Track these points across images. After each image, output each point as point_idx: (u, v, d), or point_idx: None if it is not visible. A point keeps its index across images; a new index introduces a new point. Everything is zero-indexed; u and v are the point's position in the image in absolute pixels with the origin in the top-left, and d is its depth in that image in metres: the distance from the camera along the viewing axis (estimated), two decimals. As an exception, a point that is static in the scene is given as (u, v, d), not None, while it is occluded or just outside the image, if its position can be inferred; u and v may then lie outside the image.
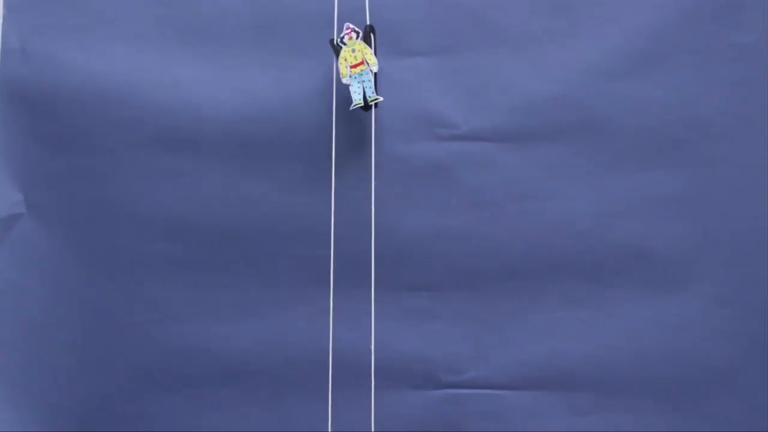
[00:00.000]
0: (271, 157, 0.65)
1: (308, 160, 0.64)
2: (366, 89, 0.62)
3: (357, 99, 0.63)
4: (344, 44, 0.62)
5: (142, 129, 0.65)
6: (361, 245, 0.64)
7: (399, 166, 0.65)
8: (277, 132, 0.65)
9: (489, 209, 0.64)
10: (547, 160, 0.64)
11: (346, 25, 0.63)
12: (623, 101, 0.64)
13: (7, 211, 0.66)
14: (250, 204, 0.65)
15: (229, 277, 0.65)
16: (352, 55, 0.62)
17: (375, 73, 0.62)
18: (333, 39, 0.63)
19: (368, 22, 0.63)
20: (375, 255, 0.64)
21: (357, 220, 0.63)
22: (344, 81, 0.62)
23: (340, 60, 0.62)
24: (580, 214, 0.64)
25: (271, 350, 0.65)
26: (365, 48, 0.62)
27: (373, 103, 0.62)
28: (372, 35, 0.63)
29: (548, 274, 0.64)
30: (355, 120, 0.64)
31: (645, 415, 0.64)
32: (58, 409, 0.66)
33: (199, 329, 0.66)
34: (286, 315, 0.65)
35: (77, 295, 0.66)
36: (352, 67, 0.62)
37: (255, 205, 0.65)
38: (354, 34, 0.62)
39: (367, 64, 0.62)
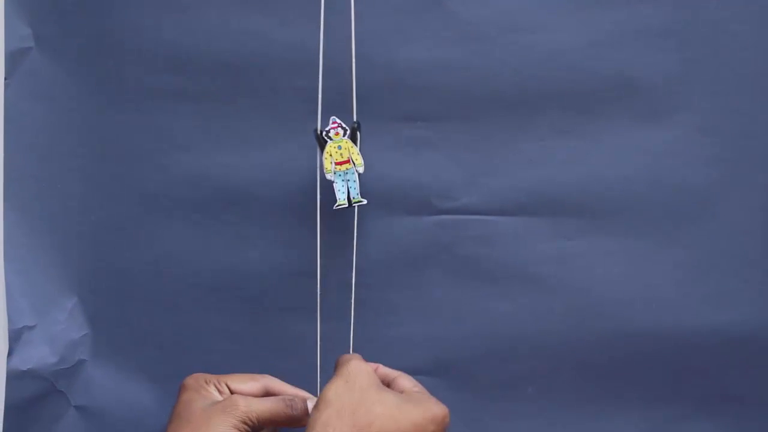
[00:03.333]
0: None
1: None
2: (351, 189, 0.63)
3: (341, 199, 0.63)
4: (330, 139, 0.63)
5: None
6: (358, 76, 0.66)
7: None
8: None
9: (481, 42, 0.66)
10: (538, -6, 0.67)
11: (332, 119, 0.63)
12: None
13: (16, 45, 0.67)
14: (253, 37, 0.67)
15: (231, 109, 0.68)
16: (338, 152, 0.63)
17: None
18: (317, 129, 0.64)
19: (355, 119, 0.64)
20: (373, 87, 0.67)
21: (355, 52, 0.66)
22: (328, 177, 0.63)
23: (325, 155, 0.63)
24: (569, 46, 0.66)
25: (271, 178, 0.68)
26: (352, 147, 0.63)
27: (357, 204, 0.64)
28: (358, 133, 0.63)
29: (538, 104, 0.67)
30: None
31: (629, 237, 0.68)
32: (70, 233, 0.69)
33: (203, 158, 0.68)
34: (286, 145, 0.68)
35: (86, 125, 0.69)
36: (337, 163, 0.63)
37: (258, 38, 0.67)
38: (341, 130, 0.63)
39: (354, 164, 0.63)
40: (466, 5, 0.66)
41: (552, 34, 0.66)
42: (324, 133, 0.63)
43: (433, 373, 0.69)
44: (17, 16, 0.67)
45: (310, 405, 0.61)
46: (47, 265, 0.69)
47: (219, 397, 0.60)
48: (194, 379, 0.61)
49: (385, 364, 0.67)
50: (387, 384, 0.62)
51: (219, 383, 0.61)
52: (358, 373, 0.58)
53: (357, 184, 0.63)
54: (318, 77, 0.65)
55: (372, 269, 0.68)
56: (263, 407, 0.59)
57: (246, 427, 0.57)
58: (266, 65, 0.67)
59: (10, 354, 0.69)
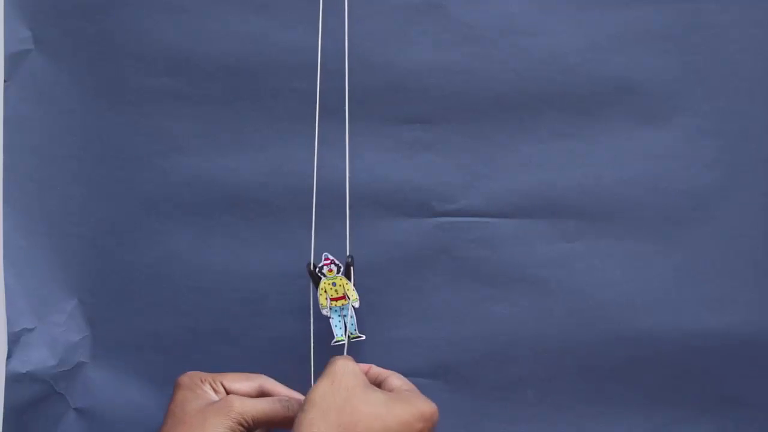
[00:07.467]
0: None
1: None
2: (348, 325, 0.64)
3: (339, 335, 0.64)
4: (323, 275, 0.63)
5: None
6: (358, 79, 0.66)
7: (396, 2, 0.66)
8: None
9: (481, 44, 0.66)
10: (538, -4, 0.66)
11: (324, 255, 0.64)
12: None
13: (16, 47, 0.67)
14: (253, 39, 0.67)
15: (231, 111, 0.68)
16: (333, 288, 0.63)
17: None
18: (310, 263, 0.64)
19: (348, 254, 0.64)
20: (373, 89, 0.67)
21: (354, 54, 0.66)
22: (324, 312, 0.63)
23: (320, 291, 0.63)
24: (569, 49, 0.66)
25: (272, 180, 0.68)
26: (346, 283, 0.63)
27: (355, 339, 0.64)
28: (352, 268, 0.64)
29: (538, 106, 0.67)
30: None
31: (629, 240, 0.67)
32: (70, 236, 0.69)
33: (203, 160, 0.68)
34: (285, 147, 0.68)
35: (86, 127, 0.69)
36: (332, 299, 0.63)
37: (257, 40, 0.67)
38: (334, 267, 0.63)
39: (348, 299, 0.63)
40: (465, 8, 0.66)
41: (552, 36, 0.66)
42: (317, 269, 0.64)
43: (432, 375, 0.69)
44: (17, 18, 0.67)
45: None
46: (47, 267, 0.69)
47: (214, 397, 0.60)
48: (189, 378, 0.61)
49: (385, 367, 0.67)
50: (378, 383, 0.62)
51: (214, 382, 0.61)
52: (345, 372, 0.58)
53: (354, 319, 0.64)
54: (317, 80, 0.65)
55: (371, 272, 0.68)
56: (259, 408, 0.59)
57: (241, 428, 0.57)
58: (266, 67, 0.67)
59: (9, 356, 0.68)
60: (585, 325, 0.68)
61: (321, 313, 0.64)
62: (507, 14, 0.66)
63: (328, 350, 0.66)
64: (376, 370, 0.64)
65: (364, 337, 0.64)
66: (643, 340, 0.68)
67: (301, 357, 0.65)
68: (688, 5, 0.65)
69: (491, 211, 0.68)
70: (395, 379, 0.62)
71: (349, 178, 0.66)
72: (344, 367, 0.59)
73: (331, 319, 0.64)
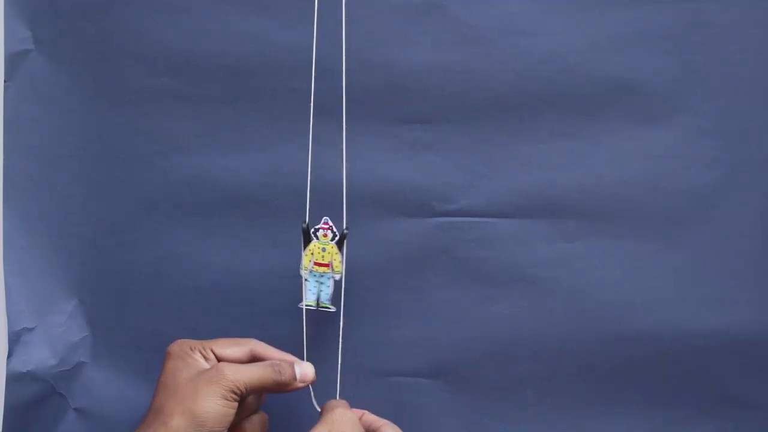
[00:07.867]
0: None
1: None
2: (322, 293, 0.64)
3: (311, 299, 0.64)
4: (317, 238, 0.63)
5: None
6: (357, 79, 0.66)
7: (396, 2, 0.66)
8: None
9: (481, 44, 0.66)
10: (538, -4, 0.66)
11: (324, 219, 0.64)
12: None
13: (16, 47, 0.67)
14: (253, 39, 0.67)
15: (230, 111, 0.68)
16: (321, 253, 0.63)
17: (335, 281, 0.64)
18: (306, 222, 0.64)
19: (346, 226, 0.64)
20: (373, 90, 0.67)
21: (354, 54, 0.66)
22: (302, 273, 0.63)
23: (307, 252, 0.63)
24: (569, 49, 0.66)
25: (272, 180, 0.68)
26: (336, 253, 0.63)
27: (323, 309, 0.64)
28: (345, 240, 0.64)
29: (538, 106, 0.66)
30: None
31: (629, 240, 0.67)
32: (70, 236, 0.69)
33: (202, 160, 0.68)
34: (285, 147, 0.68)
35: (85, 127, 0.69)
36: (316, 264, 0.63)
37: (257, 40, 0.67)
38: (330, 234, 0.63)
39: (332, 269, 0.63)
40: (465, 8, 0.66)
41: (552, 36, 0.66)
42: (312, 230, 0.64)
43: (432, 375, 0.69)
44: (17, 19, 0.67)
45: (297, 369, 0.61)
46: (47, 267, 0.69)
47: (205, 365, 0.59)
48: (179, 346, 0.60)
49: (385, 367, 0.67)
50: None
51: (204, 349, 0.60)
52: (343, 421, 0.58)
53: (330, 291, 0.64)
54: (316, 80, 0.65)
55: (371, 271, 0.68)
56: (251, 375, 0.58)
57: (234, 395, 0.57)
58: (265, 68, 0.67)
59: (9, 356, 0.69)
60: (585, 324, 0.68)
61: (299, 270, 0.64)
62: (507, 14, 0.66)
63: (324, 350, 0.66)
64: (369, 417, 0.64)
65: (333, 310, 0.64)
66: (643, 340, 0.68)
67: (300, 356, 0.65)
68: (688, 5, 0.65)
69: (491, 211, 0.68)
70: (389, 430, 0.62)
71: (350, 178, 0.66)
72: (342, 416, 0.59)
73: (306, 281, 0.64)
